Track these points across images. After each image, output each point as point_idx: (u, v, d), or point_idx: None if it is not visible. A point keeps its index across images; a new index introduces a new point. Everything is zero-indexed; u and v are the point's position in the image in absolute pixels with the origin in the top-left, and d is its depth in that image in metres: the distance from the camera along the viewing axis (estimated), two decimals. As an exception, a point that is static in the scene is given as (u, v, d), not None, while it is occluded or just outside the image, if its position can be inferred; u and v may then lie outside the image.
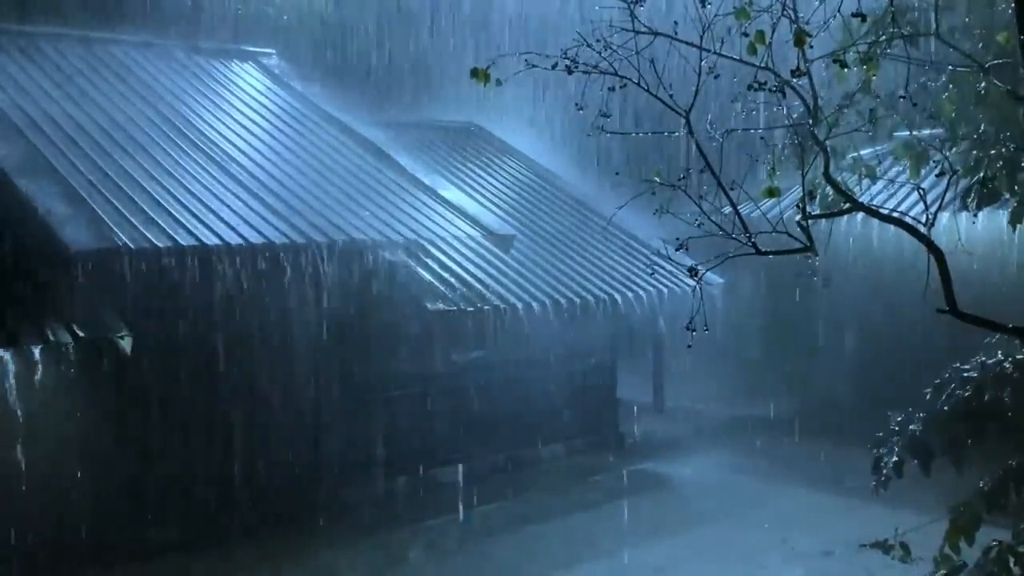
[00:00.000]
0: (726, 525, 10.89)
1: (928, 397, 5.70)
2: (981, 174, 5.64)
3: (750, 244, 3.72)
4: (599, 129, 4.00)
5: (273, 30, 19.74)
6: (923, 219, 3.91)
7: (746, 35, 3.71)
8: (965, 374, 5.60)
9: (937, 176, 5.25)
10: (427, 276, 11.40)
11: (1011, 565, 4.95)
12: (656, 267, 13.63)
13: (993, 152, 5.60)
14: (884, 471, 5.61)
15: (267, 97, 14.61)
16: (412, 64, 21.66)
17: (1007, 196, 5.69)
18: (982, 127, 5.83)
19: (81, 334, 8.34)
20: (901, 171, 6.86)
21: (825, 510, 11.10)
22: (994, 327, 4.00)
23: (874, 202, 5.43)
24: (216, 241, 9.80)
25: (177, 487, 10.14)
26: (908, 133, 6.27)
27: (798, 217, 3.87)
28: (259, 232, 10.26)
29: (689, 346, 4.24)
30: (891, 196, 12.22)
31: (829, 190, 4.91)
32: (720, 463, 13.49)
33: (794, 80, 3.73)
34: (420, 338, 11.83)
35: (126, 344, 8.50)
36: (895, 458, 5.58)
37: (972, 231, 7.18)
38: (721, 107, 4.16)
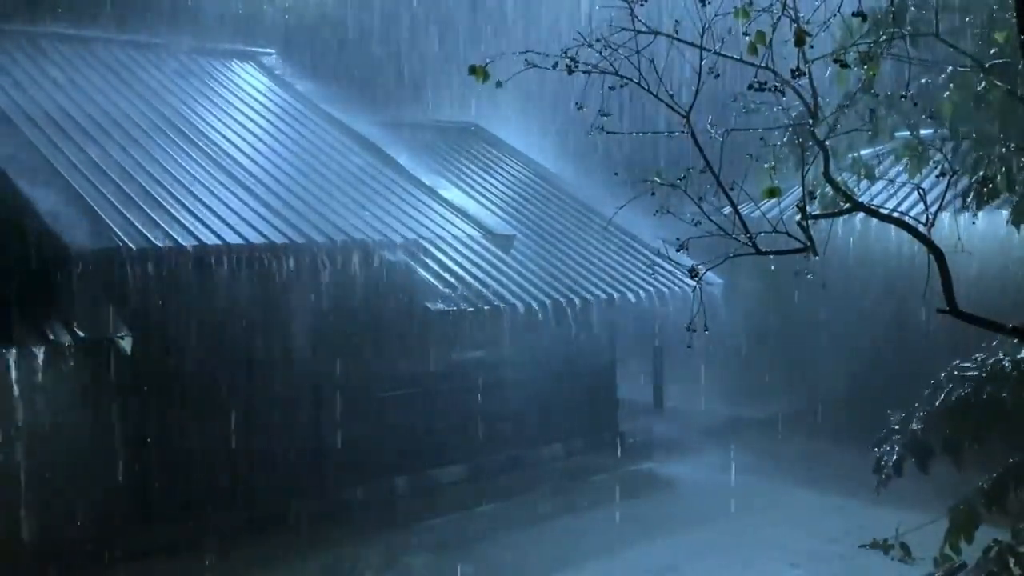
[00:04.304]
0: (726, 525, 10.88)
1: (927, 395, 5.71)
2: (981, 174, 5.64)
3: (750, 244, 3.71)
4: (599, 129, 4.00)
5: (273, 30, 19.74)
6: (923, 219, 3.91)
7: (746, 35, 3.71)
8: (964, 372, 5.61)
9: (937, 176, 5.25)
10: (427, 276, 11.40)
11: (1011, 565, 4.96)
12: (656, 267, 13.63)
13: (993, 152, 5.60)
14: (884, 471, 5.62)
15: (267, 97, 14.61)
16: (412, 64, 21.66)
17: (1007, 196, 5.70)
18: (982, 127, 5.83)
19: (81, 334, 8.34)
20: (901, 171, 6.86)
21: (826, 510, 11.10)
22: (994, 327, 3.99)
23: (874, 202, 5.44)
24: (216, 241, 9.80)
25: (177, 487, 10.14)
26: (908, 133, 6.27)
27: (798, 217, 3.87)
28: (259, 232, 10.25)
29: (689, 346, 4.24)
30: (891, 196, 12.22)
31: (829, 190, 4.91)
32: (720, 463, 13.48)
33: (794, 80, 3.73)
34: (420, 338, 11.83)
35: (126, 344, 8.50)
36: (895, 457, 5.59)
37: (972, 231, 7.18)
38: (721, 107, 4.16)
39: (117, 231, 9.31)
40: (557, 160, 17.25)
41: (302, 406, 11.19)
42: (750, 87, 3.83)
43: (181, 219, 9.98)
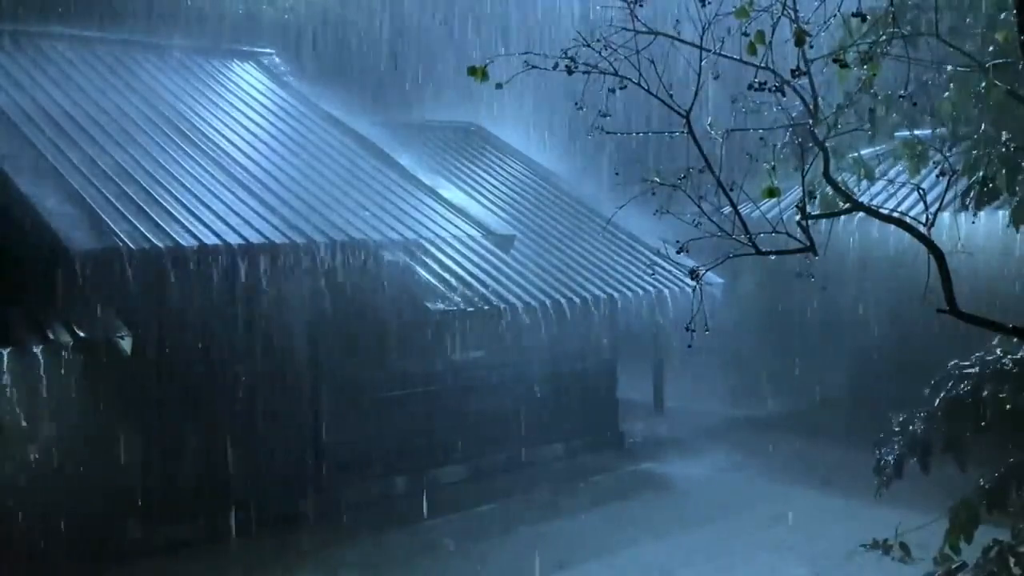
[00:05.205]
0: (726, 525, 10.88)
1: (927, 395, 5.71)
2: (981, 174, 5.64)
3: (750, 244, 3.71)
4: (599, 129, 4.00)
5: (273, 30, 19.74)
6: (923, 219, 3.91)
7: (746, 35, 3.71)
8: (964, 371, 5.61)
9: (937, 176, 5.25)
10: (427, 276, 11.40)
11: (1011, 565, 4.96)
12: (656, 267, 13.64)
13: (993, 152, 5.60)
14: (885, 472, 5.62)
15: (267, 97, 14.60)
16: (412, 64, 21.67)
17: (1007, 196, 5.70)
18: (982, 127, 5.83)
19: (81, 334, 8.34)
20: (901, 171, 6.87)
21: (825, 510, 11.10)
22: (994, 327, 3.99)
23: (874, 202, 5.43)
24: (216, 241, 9.79)
25: (177, 487, 10.14)
26: (908, 133, 6.28)
27: (798, 217, 3.87)
28: (259, 232, 10.25)
29: (689, 346, 4.24)
30: (891, 196, 12.23)
31: (829, 190, 4.91)
32: (720, 463, 13.49)
33: (794, 80, 3.73)
34: (420, 338, 11.83)
35: (126, 344, 8.50)
36: (895, 458, 5.59)
37: (972, 231, 7.19)
38: (721, 107, 4.16)
39: (117, 231, 9.30)
40: (557, 160, 17.25)
41: (302, 406, 11.19)
42: (750, 87, 3.83)
43: (181, 219, 9.97)
